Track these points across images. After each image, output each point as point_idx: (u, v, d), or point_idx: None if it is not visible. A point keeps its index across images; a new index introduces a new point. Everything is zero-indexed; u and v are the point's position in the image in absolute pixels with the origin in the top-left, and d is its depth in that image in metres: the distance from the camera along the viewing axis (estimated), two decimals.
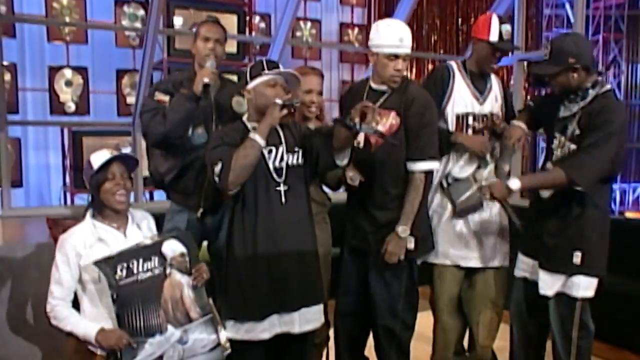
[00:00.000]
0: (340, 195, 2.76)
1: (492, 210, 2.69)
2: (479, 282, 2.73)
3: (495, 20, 2.58)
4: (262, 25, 6.46)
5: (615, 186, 7.95)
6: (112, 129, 5.59)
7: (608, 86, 2.30)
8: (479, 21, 2.68)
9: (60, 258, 2.05)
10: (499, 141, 2.67)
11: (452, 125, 2.66)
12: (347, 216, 2.61)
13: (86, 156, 5.28)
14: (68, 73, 5.45)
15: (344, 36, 6.97)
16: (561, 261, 2.34)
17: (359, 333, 2.71)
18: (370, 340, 2.71)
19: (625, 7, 8.03)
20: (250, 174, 2.09)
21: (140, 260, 2.02)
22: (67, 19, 5.47)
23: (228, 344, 2.10)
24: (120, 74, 5.76)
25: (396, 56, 2.39)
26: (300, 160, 2.23)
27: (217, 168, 2.05)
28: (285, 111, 2.10)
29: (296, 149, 2.23)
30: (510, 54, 2.88)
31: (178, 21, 5.57)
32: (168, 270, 2.05)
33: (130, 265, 1.99)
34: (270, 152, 2.16)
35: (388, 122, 1.99)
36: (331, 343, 2.80)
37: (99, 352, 2.03)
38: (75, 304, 2.10)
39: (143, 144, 4.99)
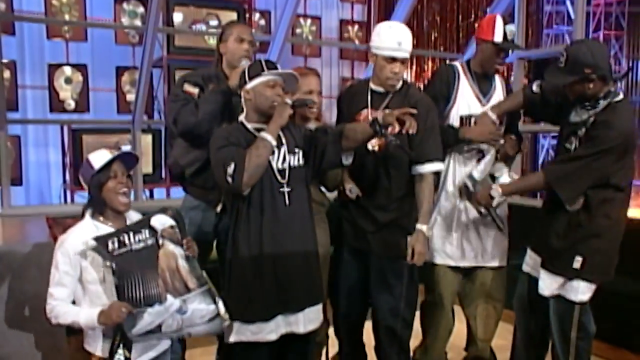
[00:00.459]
0: (331, 195, 2.77)
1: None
2: (478, 280, 2.75)
3: (499, 21, 2.58)
4: (262, 22, 6.46)
5: None
6: (111, 126, 5.60)
7: (620, 96, 2.26)
8: (482, 22, 2.68)
9: (61, 258, 2.01)
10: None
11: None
12: (345, 217, 2.61)
13: (86, 154, 5.26)
14: (68, 70, 5.45)
15: (344, 33, 6.97)
16: (562, 264, 2.33)
17: (359, 327, 2.75)
18: (369, 340, 2.73)
19: (626, 3, 8.02)
20: (262, 174, 2.10)
21: (131, 233, 2.00)
22: (67, 17, 5.46)
23: (227, 315, 2.06)
24: (120, 71, 5.76)
25: (394, 59, 2.41)
26: (300, 161, 2.23)
27: (230, 169, 2.04)
28: (292, 111, 2.12)
29: (296, 150, 2.23)
30: (510, 52, 2.86)
31: (178, 18, 5.56)
32: (161, 241, 2.03)
33: (122, 239, 1.97)
34: (273, 153, 2.16)
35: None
36: (330, 342, 2.81)
37: (98, 353, 2.03)
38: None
39: (143, 141, 5.04)
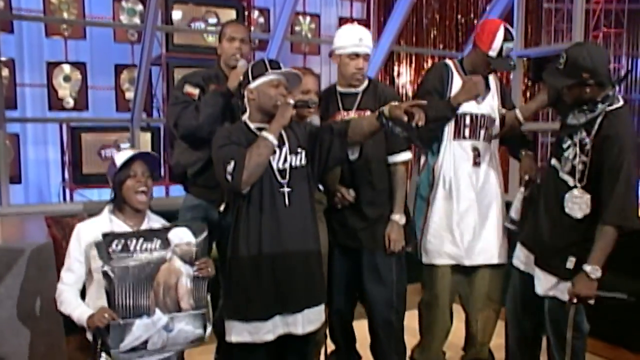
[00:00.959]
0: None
1: (493, 209, 2.71)
2: (478, 280, 2.75)
3: (500, 35, 2.53)
4: (261, 20, 6.45)
5: None
6: (110, 124, 5.60)
7: (620, 102, 2.24)
8: (485, 27, 2.61)
9: (74, 246, 2.09)
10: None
11: (449, 126, 2.66)
12: (334, 218, 2.63)
13: (85, 151, 5.36)
14: (66, 68, 5.45)
15: None
16: (556, 263, 2.32)
17: (351, 323, 2.83)
18: (364, 340, 2.75)
19: (625, 1, 8.01)
20: (262, 174, 2.10)
21: (141, 240, 2.01)
22: (65, 15, 5.46)
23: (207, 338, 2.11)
24: (118, 69, 5.76)
25: (357, 55, 2.54)
26: (303, 161, 2.22)
27: (230, 167, 2.04)
28: (294, 111, 2.12)
29: (299, 150, 2.22)
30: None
31: (177, 15, 5.56)
32: (169, 255, 2.03)
33: (128, 242, 1.99)
34: (274, 153, 2.15)
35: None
36: (329, 341, 2.82)
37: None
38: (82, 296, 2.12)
39: (142, 139, 5.05)
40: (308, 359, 2.41)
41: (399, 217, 2.57)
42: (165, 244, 2.03)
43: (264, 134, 2.09)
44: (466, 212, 2.67)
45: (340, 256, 2.66)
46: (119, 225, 2.10)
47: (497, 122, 2.74)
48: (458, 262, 2.69)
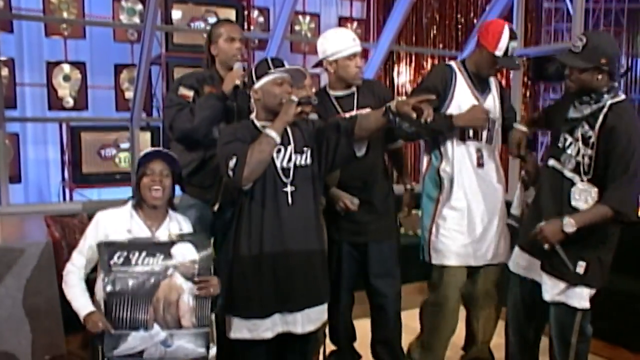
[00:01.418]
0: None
1: (497, 209, 2.71)
2: (480, 278, 2.75)
3: (506, 34, 2.53)
4: (261, 19, 6.45)
5: None
6: (110, 124, 5.60)
7: (622, 96, 2.24)
8: (489, 27, 2.60)
9: (91, 232, 2.14)
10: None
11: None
12: (341, 217, 2.62)
13: (85, 151, 5.37)
14: (66, 68, 5.45)
15: None
16: (564, 267, 2.26)
17: (351, 319, 2.89)
18: (364, 339, 2.75)
19: (625, 0, 8.00)
20: (264, 171, 2.10)
21: (143, 254, 2.02)
22: (65, 14, 5.46)
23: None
24: (118, 68, 5.76)
25: (354, 55, 2.60)
26: (308, 160, 2.22)
27: (232, 162, 2.04)
28: (299, 109, 2.11)
29: (304, 149, 2.21)
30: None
31: (176, 15, 5.56)
32: (170, 272, 2.04)
33: (130, 256, 2.00)
34: (278, 151, 2.15)
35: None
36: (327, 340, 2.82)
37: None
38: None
39: (141, 138, 5.05)
40: (308, 358, 2.41)
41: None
42: (168, 259, 2.04)
43: (267, 130, 2.09)
44: (474, 213, 2.66)
45: (349, 254, 2.69)
46: (138, 224, 2.15)
47: (498, 124, 2.74)
48: (466, 262, 2.68)
